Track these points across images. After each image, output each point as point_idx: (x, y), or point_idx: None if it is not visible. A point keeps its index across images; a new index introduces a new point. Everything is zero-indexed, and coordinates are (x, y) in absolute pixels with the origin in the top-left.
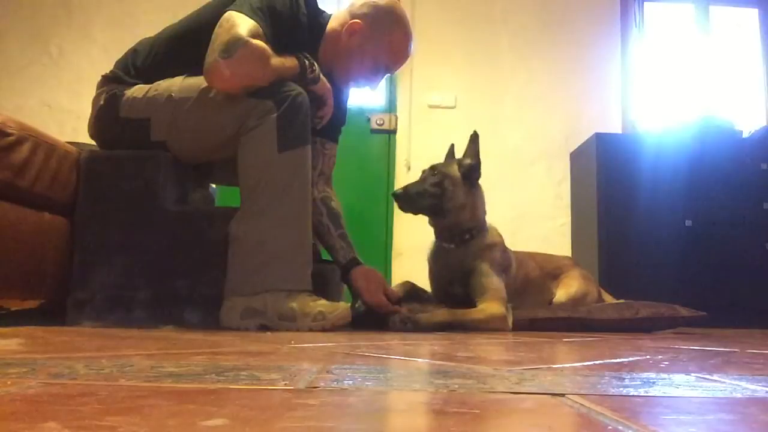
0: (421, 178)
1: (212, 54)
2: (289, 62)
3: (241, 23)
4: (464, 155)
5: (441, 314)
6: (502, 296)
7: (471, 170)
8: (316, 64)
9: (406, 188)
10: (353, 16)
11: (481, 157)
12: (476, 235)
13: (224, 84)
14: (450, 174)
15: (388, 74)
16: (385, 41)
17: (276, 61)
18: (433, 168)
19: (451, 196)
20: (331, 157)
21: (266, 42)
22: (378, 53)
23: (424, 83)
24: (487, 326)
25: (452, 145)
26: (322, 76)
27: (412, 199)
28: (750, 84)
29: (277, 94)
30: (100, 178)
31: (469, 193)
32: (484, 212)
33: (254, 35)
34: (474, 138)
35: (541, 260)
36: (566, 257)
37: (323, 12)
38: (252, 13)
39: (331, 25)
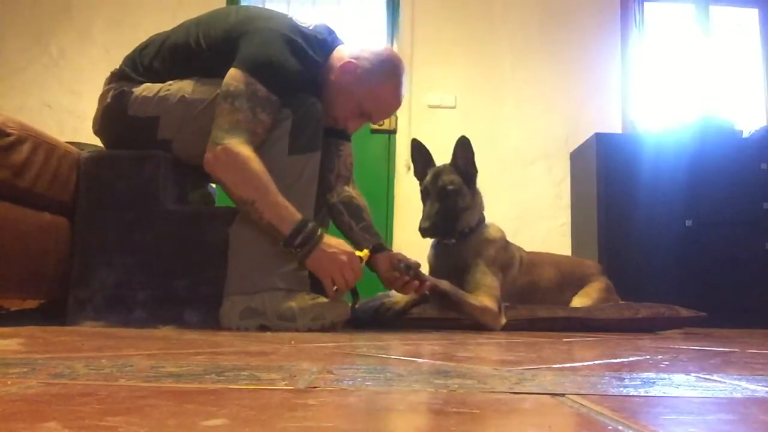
0: (432, 198)
1: (210, 144)
2: (285, 220)
3: (243, 111)
4: (458, 161)
5: (444, 283)
6: (494, 294)
7: (471, 178)
8: (317, 238)
9: (430, 219)
10: (352, 56)
11: (481, 157)
12: (475, 230)
13: (214, 170)
14: (461, 190)
15: (370, 122)
16: (374, 89)
17: (269, 204)
18: (444, 189)
19: (462, 206)
20: (347, 157)
21: (271, 114)
22: (364, 98)
23: (424, 83)
24: (479, 317)
25: (418, 143)
26: (316, 256)
27: (438, 228)
28: (750, 84)
29: (294, 103)
30: (100, 178)
31: (473, 196)
32: (483, 208)
33: (254, 128)
34: (466, 143)
35: (569, 266)
36: (595, 265)
37: (336, 39)
38: (257, 76)
39: (332, 56)
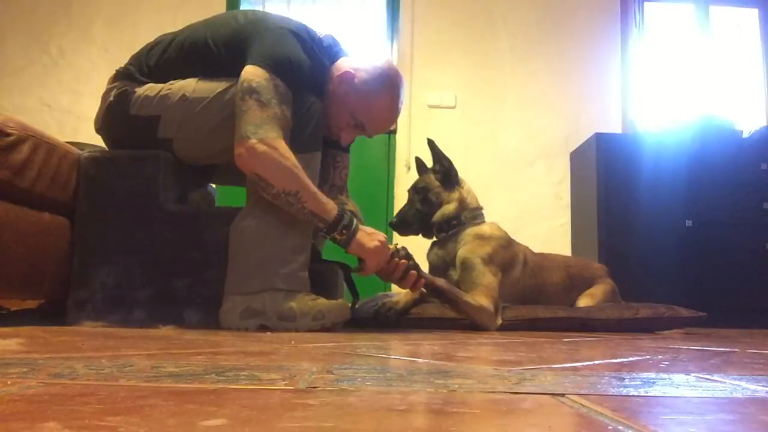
0: (408, 200)
1: (241, 139)
2: (326, 208)
3: (271, 106)
4: (434, 162)
5: (440, 280)
6: (491, 294)
7: (446, 173)
8: (356, 223)
9: (399, 215)
10: (351, 67)
11: (481, 157)
12: (464, 221)
13: (249, 165)
14: (430, 185)
15: (364, 135)
16: (369, 99)
17: (311, 193)
18: (414, 187)
19: (438, 204)
20: (343, 168)
21: (291, 117)
22: (358, 108)
23: (424, 83)
24: (475, 316)
25: (418, 158)
26: (360, 237)
27: (408, 224)
28: (750, 84)
29: (294, 102)
30: (100, 178)
31: (452, 192)
32: (476, 204)
33: (283, 123)
34: (431, 144)
35: (576, 269)
36: (602, 267)
37: (341, 51)
38: (276, 73)
39: (334, 66)
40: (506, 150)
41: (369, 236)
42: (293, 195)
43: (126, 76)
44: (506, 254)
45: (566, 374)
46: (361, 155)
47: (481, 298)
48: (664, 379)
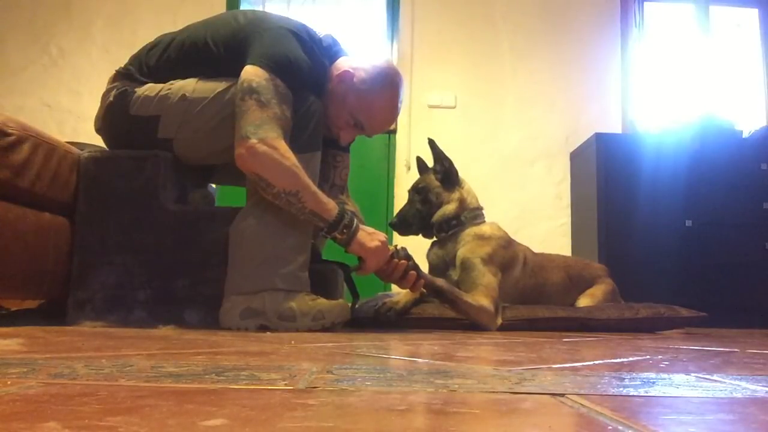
0: (408, 200)
1: (241, 140)
2: (327, 208)
3: (271, 106)
4: (435, 162)
5: (440, 281)
6: (491, 294)
7: (446, 173)
8: (356, 223)
9: (400, 215)
10: (350, 67)
11: (481, 157)
12: (464, 222)
13: (249, 165)
14: (430, 185)
15: (364, 134)
16: (368, 99)
17: (311, 193)
18: (415, 187)
19: (438, 204)
20: (344, 168)
21: (292, 116)
22: (357, 108)
23: (424, 83)
24: (475, 316)
25: (419, 158)
26: (360, 237)
27: (408, 224)
28: (750, 84)
29: (294, 102)
30: (100, 178)
31: (453, 192)
32: (476, 204)
33: (283, 123)
34: (432, 143)
35: (576, 269)
36: (602, 268)
37: (340, 50)
38: (276, 73)
39: (333, 66)
40: (506, 150)
41: (369, 236)
42: (294, 195)
43: (126, 76)
44: (506, 254)
45: (566, 374)
46: (361, 155)
47: (481, 298)
48: (664, 379)
